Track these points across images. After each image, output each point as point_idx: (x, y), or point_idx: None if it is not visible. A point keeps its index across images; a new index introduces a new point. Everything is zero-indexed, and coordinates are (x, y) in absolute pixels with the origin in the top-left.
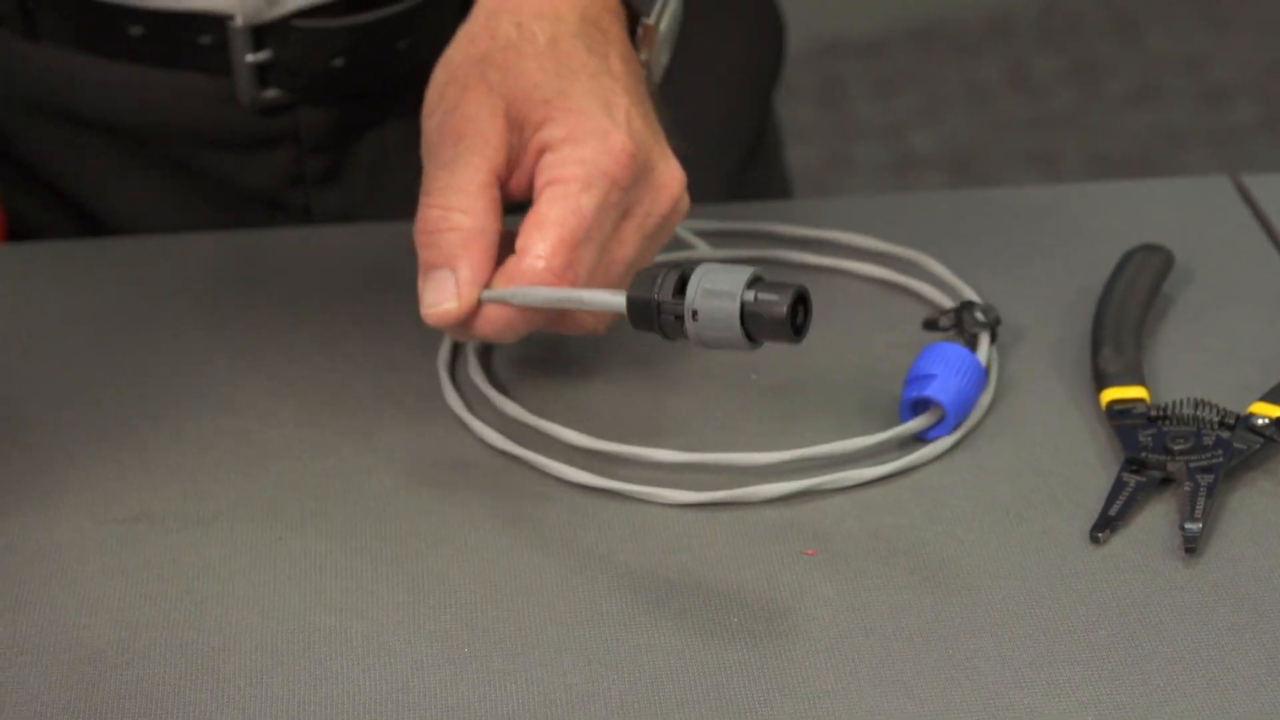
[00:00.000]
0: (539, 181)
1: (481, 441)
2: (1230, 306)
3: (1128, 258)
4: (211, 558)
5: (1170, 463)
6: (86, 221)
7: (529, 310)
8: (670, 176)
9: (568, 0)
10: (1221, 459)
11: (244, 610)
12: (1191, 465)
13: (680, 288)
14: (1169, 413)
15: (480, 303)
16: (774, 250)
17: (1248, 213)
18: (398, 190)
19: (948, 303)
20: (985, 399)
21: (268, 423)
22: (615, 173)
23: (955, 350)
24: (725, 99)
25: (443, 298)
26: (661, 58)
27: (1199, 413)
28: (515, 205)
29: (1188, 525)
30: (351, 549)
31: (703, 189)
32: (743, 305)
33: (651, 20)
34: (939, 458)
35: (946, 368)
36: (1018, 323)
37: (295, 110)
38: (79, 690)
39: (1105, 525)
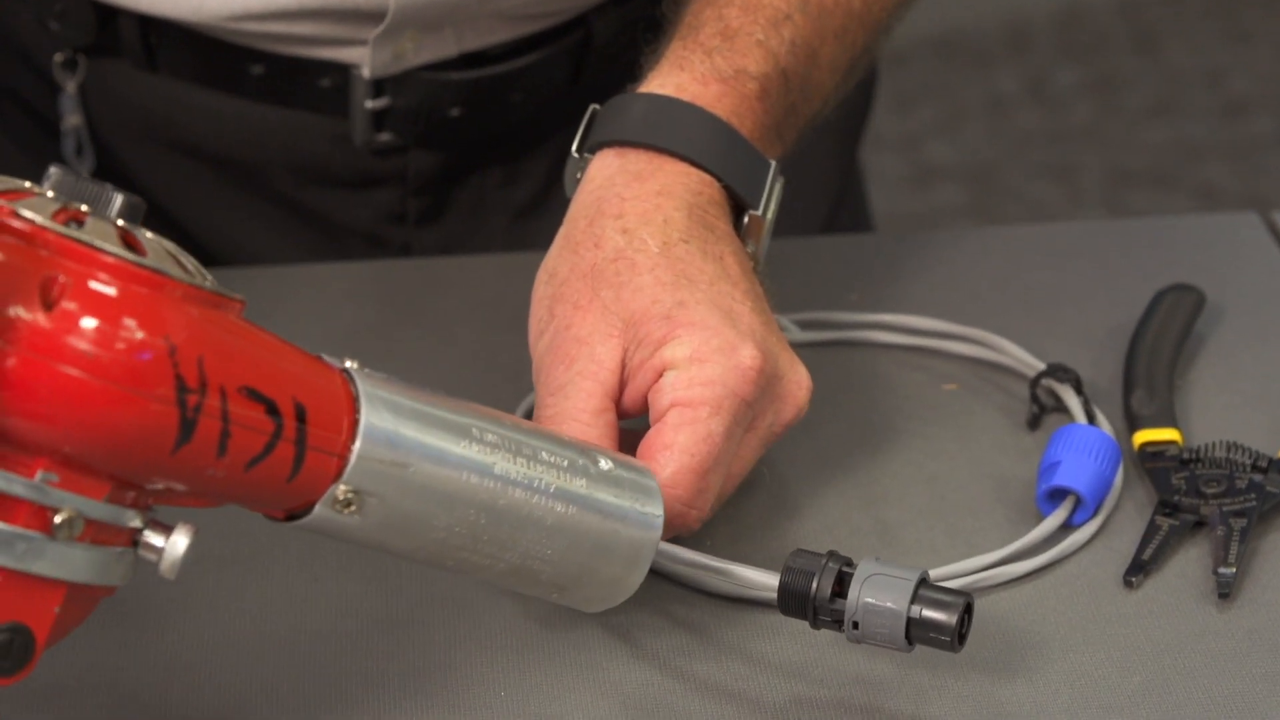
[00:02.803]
0: (662, 400)
1: None
2: (1261, 347)
3: (1159, 298)
4: (248, 598)
5: (1203, 506)
6: (190, 248)
7: None
8: (796, 384)
9: (672, 198)
10: (1255, 503)
11: (279, 653)
12: (1224, 509)
13: (839, 583)
14: (1201, 455)
15: None
16: (844, 332)
17: (1278, 250)
18: (494, 230)
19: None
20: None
21: None
22: (744, 391)
23: (1079, 431)
24: (813, 146)
25: None
26: (765, 245)
27: (1231, 455)
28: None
29: (1221, 570)
30: (390, 588)
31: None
32: (909, 620)
33: (759, 212)
34: None
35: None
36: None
37: (406, 153)
38: None
39: (1139, 569)
